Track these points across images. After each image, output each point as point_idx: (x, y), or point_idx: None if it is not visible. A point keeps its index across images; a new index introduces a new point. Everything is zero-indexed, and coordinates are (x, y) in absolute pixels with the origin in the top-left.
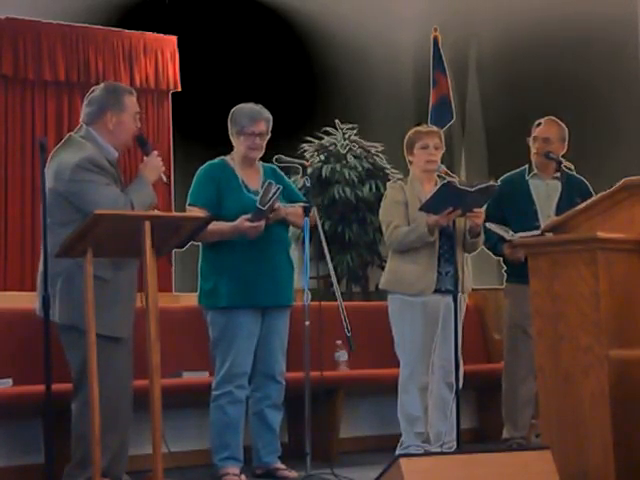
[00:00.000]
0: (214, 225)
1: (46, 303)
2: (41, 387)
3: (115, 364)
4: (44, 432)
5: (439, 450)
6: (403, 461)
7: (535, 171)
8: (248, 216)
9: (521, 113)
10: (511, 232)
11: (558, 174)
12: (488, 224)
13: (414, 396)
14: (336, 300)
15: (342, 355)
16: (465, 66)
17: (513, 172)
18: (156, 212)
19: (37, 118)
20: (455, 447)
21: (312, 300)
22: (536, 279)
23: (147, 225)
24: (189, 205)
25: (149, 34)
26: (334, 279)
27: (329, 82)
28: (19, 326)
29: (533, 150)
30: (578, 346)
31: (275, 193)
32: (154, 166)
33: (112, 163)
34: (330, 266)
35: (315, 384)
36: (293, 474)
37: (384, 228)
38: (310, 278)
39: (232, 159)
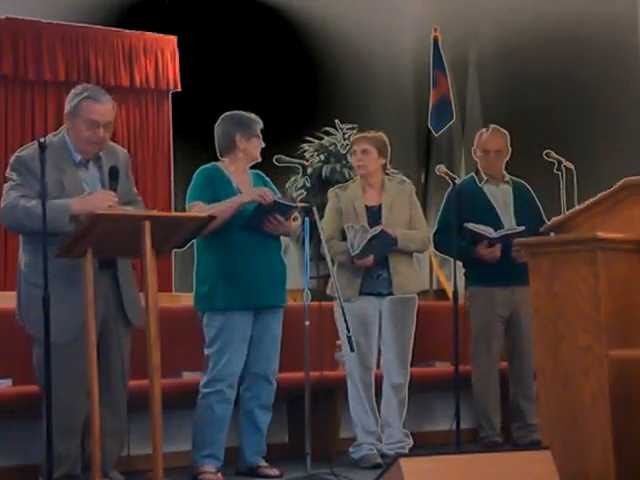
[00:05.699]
0: (214, 208)
1: (46, 303)
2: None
3: (55, 367)
4: (45, 432)
5: (390, 449)
6: (403, 461)
7: (486, 178)
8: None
9: (521, 113)
10: (491, 230)
11: (508, 178)
12: (469, 224)
13: (360, 397)
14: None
15: (342, 355)
16: (465, 66)
17: (462, 180)
18: (156, 212)
19: (37, 118)
20: (410, 448)
21: (312, 300)
22: (536, 279)
23: (147, 225)
24: (191, 201)
25: (149, 34)
26: (334, 279)
27: (329, 82)
28: (19, 326)
29: (482, 162)
30: (578, 346)
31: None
32: (90, 202)
33: (63, 165)
34: (330, 266)
35: (315, 384)
36: (275, 472)
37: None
38: (310, 278)
39: (225, 165)
